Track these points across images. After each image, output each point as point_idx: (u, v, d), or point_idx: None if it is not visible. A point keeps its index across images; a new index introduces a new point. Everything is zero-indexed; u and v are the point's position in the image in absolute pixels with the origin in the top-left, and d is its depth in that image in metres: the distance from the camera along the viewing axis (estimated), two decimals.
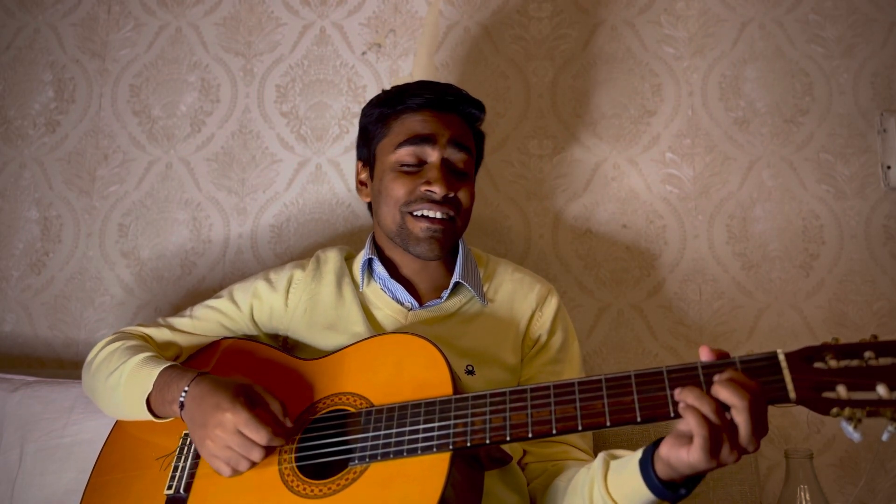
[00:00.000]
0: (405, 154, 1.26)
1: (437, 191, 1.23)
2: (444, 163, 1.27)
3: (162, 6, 1.81)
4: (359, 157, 1.40)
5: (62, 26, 1.83)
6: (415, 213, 1.25)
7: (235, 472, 1.05)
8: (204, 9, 1.79)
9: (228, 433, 1.03)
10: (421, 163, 1.27)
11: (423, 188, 1.24)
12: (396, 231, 1.27)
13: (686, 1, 1.71)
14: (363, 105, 1.41)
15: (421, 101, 1.29)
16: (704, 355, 0.92)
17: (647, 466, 0.94)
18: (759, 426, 0.85)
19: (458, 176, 1.28)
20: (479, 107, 1.35)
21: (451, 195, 1.25)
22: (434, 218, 1.24)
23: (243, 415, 1.03)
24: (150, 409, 1.16)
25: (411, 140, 1.26)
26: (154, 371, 1.16)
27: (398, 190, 1.26)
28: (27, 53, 1.83)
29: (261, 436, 1.03)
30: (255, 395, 1.08)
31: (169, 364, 1.17)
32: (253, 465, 1.05)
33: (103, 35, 1.82)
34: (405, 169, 1.27)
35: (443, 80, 1.64)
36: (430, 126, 1.27)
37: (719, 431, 0.85)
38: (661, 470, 0.93)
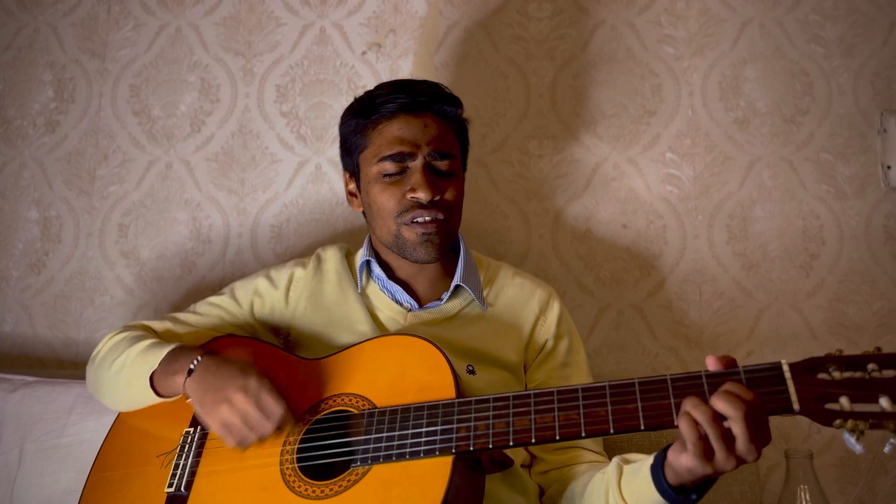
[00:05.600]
0: (387, 166, 1.25)
1: (423, 196, 1.22)
2: (427, 167, 1.25)
3: (162, 6, 1.80)
4: (345, 168, 1.38)
5: (62, 26, 1.82)
6: (408, 223, 1.24)
7: (241, 444, 1.05)
8: (204, 9, 1.79)
9: (250, 398, 1.04)
10: (404, 169, 1.25)
11: (409, 195, 1.23)
12: (393, 241, 1.27)
13: (686, 1, 1.71)
14: None
15: (394, 106, 1.26)
16: (711, 365, 0.93)
17: (657, 472, 0.95)
18: (759, 436, 0.86)
19: (443, 176, 1.27)
20: (455, 102, 1.32)
21: (438, 198, 1.24)
22: (426, 221, 1.24)
23: (268, 383, 1.05)
24: (152, 387, 1.17)
25: (392, 157, 1.24)
26: (163, 350, 1.17)
27: (387, 202, 1.25)
28: (27, 53, 1.83)
29: (279, 407, 1.04)
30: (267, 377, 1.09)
31: (178, 344, 1.19)
32: (261, 439, 1.05)
33: (103, 35, 1.81)
34: (389, 179, 1.25)
35: (443, 81, 1.65)
36: (408, 135, 1.25)
37: (709, 439, 0.86)
38: (671, 475, 0.94)
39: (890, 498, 1.52)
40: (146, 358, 1.18)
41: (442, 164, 1.26)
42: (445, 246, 1.27)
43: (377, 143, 1.27)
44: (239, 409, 1.04)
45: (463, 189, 1.31)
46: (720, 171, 1.66)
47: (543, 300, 1.33)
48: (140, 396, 1.19)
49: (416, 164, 1.25)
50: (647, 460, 0.99)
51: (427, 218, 1.24)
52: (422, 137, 1.25)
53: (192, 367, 1.12)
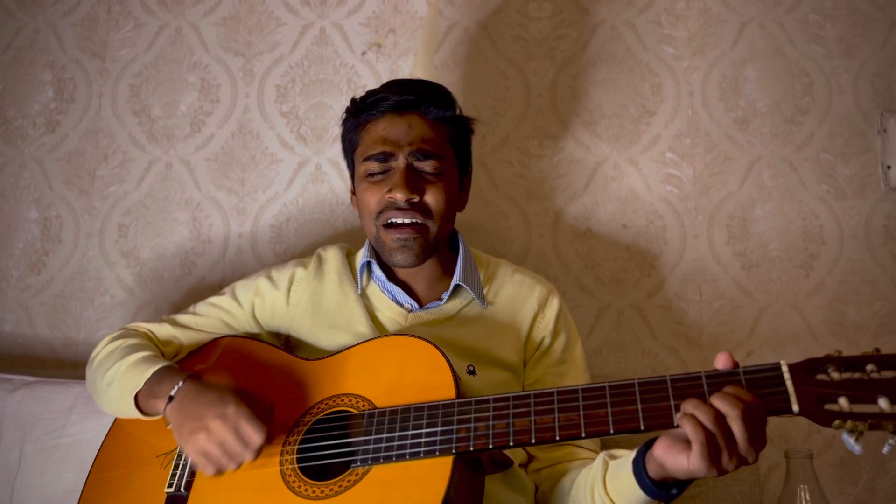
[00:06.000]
0: (371, 165, 1.25)
1: (399, 197, 1.21)
2: (410, 168, 1.24)
3: (162, 6, 1.80)
4: (347, 167, 1.39)
5: (62, 26, 1.82)
6: (385, 224, 1.24)
7: (219, 472, 1.05)
8: (204, 9, 1.79)
9: (228, 427, 1.03)
10: (387, 170, 1.25)
11: (387, 195, 1.23)
12: (375, 243, 1.28)
13: (686, 1, 1.71)
14: None
15: (382, 106, 1.27)
16: (721, 362, 0.93)
17: (639, 468, 0.97)
18: (756, 438, 0.86)
19: (427, 179, 1.25)
20: (444, 104, 1.29)
21: (416, 200, 1.23)
22: (402, 225, 1.23)
23: (246, 410, 1.04)
24: (137, 406, 1.16)
25: (375, 156, 1.25)
26: (149, 370, 1.16)
27: (369, 201, 1.25)
28: (27, 53, 1.83)
29: (259, 434, 1.03)
30: (250, 397, 1.08)
31: (165, 364, 1.18)
32: (238, 466, 1.04)
33: (103, 35, 1.81)
34: (372, 178, 1.26)
35: (443, 81, 1.65)
36: (392, 135, 1.24)
37: (716, 438, 0.86)
38: (653, 470, 0.95)
39: (890, 498, 1.52)
40: (132, 376, 1.17)
41: (426, 166, 1.25)
42: (426, 252, 1.26)
43: (365, 142, 1.28)
44: (217, 437, 1.03)
45: (452, 192, 1.29)
46: (720, 171, 1.66)
47: (542, 297, 1.32)
48: (128, 412, 1.19)
49: (398, 164, 1.24)
50: (631, 455, 0.99)
51: (405, 220, 1.23)
52: (405, 138, 1.24)
53: (172, 393, 1.11)
